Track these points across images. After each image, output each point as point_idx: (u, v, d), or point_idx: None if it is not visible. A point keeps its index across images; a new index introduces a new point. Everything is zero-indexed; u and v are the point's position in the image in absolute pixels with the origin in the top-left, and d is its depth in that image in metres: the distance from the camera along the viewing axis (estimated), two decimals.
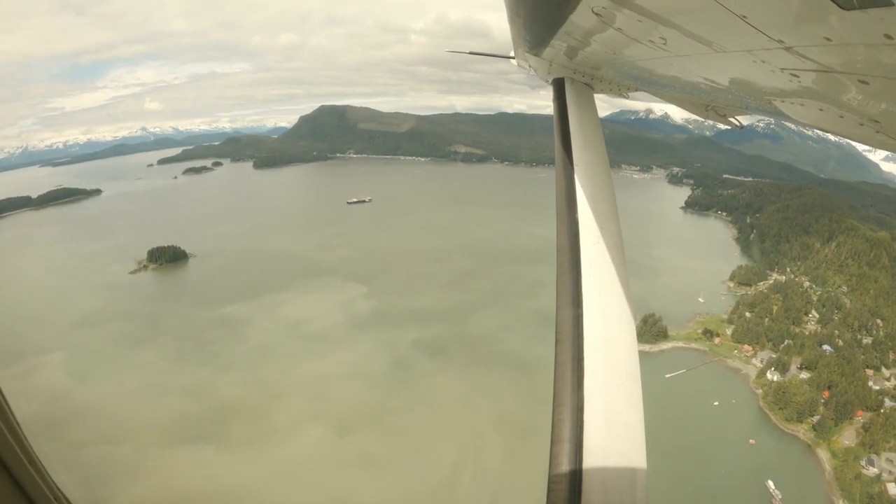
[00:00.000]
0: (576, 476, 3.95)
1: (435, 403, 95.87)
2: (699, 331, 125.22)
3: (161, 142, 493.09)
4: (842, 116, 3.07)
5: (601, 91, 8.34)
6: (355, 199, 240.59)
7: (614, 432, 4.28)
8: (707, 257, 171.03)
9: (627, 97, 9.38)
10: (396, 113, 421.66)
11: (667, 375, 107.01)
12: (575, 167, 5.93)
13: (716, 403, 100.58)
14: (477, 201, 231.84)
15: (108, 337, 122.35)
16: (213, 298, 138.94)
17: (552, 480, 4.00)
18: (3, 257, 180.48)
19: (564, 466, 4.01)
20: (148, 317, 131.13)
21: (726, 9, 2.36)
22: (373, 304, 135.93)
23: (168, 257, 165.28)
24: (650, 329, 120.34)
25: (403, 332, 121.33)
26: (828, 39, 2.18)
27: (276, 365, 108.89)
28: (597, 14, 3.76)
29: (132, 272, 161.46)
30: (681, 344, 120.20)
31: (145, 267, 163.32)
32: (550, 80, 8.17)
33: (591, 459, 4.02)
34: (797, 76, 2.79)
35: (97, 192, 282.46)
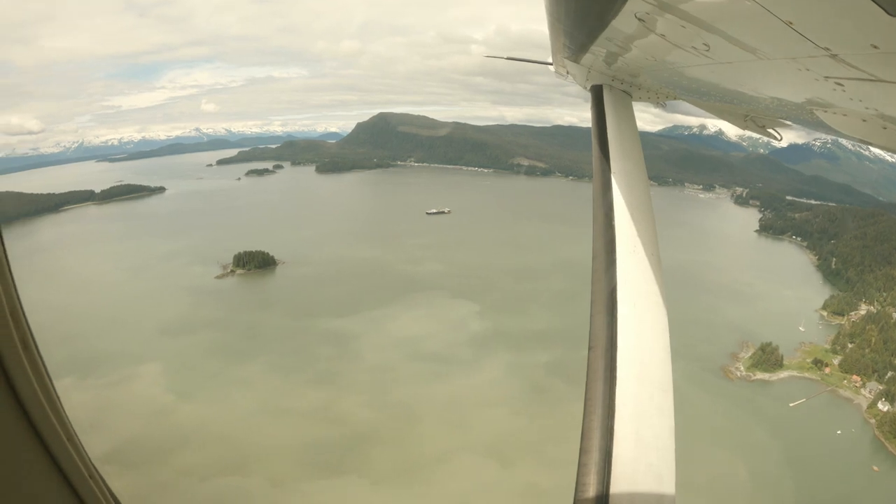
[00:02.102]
0: (604, 486, 3.83)
1: None
2: (809, 360, 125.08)
3: (215, 143, 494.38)
4: (885, 128, 3.11)
5: (639, 99, 8.42)
6: (434, 210, 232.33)
7: (644, 443, 4.12)
8: (793, 284, 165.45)
9: (664, 106, 9.33)
10: (455, 122, 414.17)
11: (790, 405, 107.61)
12: (613, 175, 5.84)
13: (839, 432, 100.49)
14: (554, 217, 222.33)
15: (202, 347, 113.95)
16: (311, 310, 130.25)
17: (580, 490, 3.88)
18: (72, 252, 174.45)
19: (593, 476, 3.90)
20: (243, 327, 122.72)
21: (772, 14, 2.33)
22: (487, 323, 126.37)
23: (256, 263, 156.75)
24: (768, 358, 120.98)
25: (529, 354, 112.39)
26: (875, 47, 2.15)
27: (403, 387, 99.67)
28: (640, 19, 3.74)
29: (218, 277, 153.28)
30: (794, 373, 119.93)
31: (232, 272, 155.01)
32: (588, 87, 8.36)
33: (619, 470, 3.90)
34: (841, 84, 2.79)
35: (161, 189, 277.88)
